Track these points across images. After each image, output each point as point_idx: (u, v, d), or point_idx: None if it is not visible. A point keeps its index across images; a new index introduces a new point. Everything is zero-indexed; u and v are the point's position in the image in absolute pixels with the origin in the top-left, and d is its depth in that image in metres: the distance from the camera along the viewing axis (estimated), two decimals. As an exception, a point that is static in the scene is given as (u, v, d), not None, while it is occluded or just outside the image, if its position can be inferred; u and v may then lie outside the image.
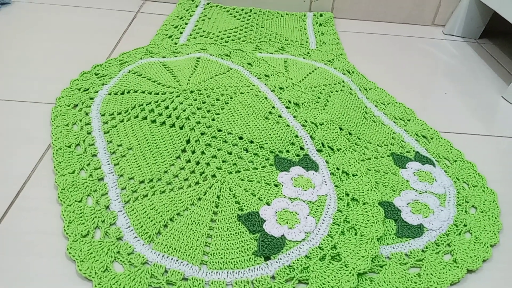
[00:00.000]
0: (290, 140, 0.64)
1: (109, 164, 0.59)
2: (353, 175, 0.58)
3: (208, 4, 1.12)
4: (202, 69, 0.80)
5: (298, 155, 0.62)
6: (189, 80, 0.76)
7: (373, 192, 0.55)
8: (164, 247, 0.48)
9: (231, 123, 0.67)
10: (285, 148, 0.63)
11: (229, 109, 0.69)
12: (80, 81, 0.76)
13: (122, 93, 0.72)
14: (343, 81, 0.80)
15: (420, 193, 0.58)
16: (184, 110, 0.68)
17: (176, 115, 0.67)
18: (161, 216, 0.51)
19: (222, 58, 0.84)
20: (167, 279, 0.45)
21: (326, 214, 0.53)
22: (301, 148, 0.63)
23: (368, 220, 0.51)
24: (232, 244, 0.49)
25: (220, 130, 0.65)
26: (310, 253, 0.48)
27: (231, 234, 0.50)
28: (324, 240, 0.49)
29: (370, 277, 0.46)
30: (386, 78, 0.87)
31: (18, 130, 0.65)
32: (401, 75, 0.91)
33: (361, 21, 1.15)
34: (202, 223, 0.51)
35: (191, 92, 0.73)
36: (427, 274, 0.47)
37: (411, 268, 0.48)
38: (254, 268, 0.46)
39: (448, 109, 0.81)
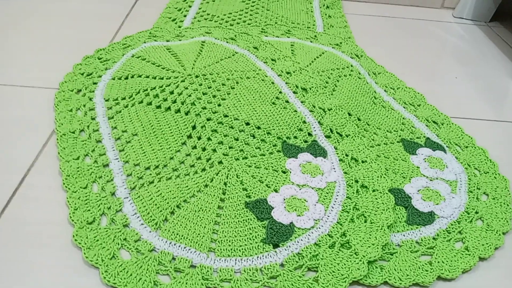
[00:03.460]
0: (298, 126, 0.63)
1: (114, 150, 0.58)
2: (363, 162, 0.57)
3: (212, -14, 1.09)
4: (207, 53, 0.78)
5: (306, 141, 0.61)
6: (194, 65, 0.74)
7: (383, 178, 0.54)
8: (171, 234, 0.47)
9: (237, 109, 0.65)
10: (293, 134, 0.62)
11: (235, 94, 0.68)
12: (83, 65, 0.74)
13: (126, 78, 0.71)
14: (351, 65, 0.78)
15: (431, 180, 0.56)
16: (190, 95, 0.67)
17: (181, 101, 0.66)
18: (168, 203, 0.50)
19: (227, 42, 0.82)
20: (175, 266, 0.44)
21: (335, 201, 0.52)
22: (309, 134, 0.62)
23: (378, 207, 0.50)
24: (240, 231, 0.48)
25: (226, 116, 0.64)
26: (319, 241, 0.47)
27: (239, 221, 0.49)
28: (333, 227, 0.49)
29: (381, 265, 0.46)
30: (394, 62, 0.85)
31: (21, 116, 0.64)
32: (410, 59, 0.89)
33: (369, 3, 1.12)
34: (209, 210, 0.50)
35: (196, 76, 0.71)
36: (438, 262, 0.46)
37: (422, 256, 0.48)
38: (263, 256, 0.46)
39: (458, 93, 0.79)
